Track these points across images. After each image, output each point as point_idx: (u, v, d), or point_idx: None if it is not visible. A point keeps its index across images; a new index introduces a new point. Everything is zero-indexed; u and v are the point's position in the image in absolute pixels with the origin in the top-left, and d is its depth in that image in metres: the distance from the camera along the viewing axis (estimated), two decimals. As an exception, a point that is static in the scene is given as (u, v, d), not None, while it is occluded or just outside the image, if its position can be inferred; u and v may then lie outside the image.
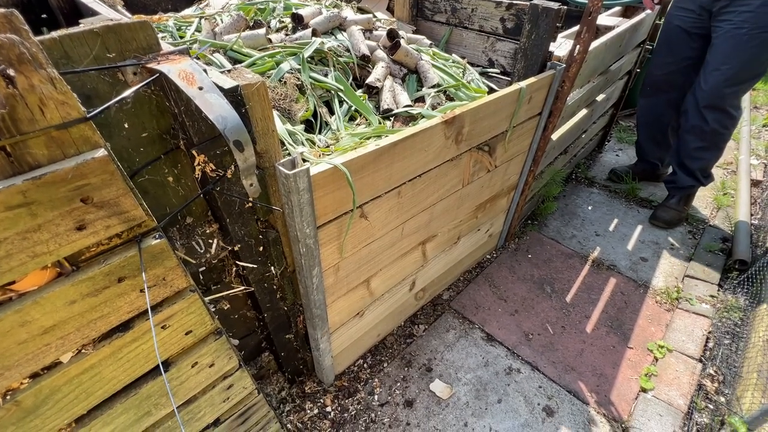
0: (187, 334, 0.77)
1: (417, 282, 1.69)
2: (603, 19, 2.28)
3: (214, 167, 0.77)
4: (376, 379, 1.60)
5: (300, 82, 1.13)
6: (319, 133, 1.15)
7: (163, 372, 0.70)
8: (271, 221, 0.97)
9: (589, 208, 2.56)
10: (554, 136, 1.99)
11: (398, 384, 1.58)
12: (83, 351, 0.64)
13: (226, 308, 1.05)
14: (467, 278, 2.06)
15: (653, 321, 1.83)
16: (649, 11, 2.35)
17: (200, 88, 0.60)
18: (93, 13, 1.13)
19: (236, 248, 0.94)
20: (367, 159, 0.98)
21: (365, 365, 1.65)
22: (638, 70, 2.87)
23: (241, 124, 0.61)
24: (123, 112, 0.70)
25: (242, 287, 1.02)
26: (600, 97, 2.45)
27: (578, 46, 1.50)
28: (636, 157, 2.77)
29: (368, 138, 1.12)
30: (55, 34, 0.59)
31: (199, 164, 0.75)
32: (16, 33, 0.43)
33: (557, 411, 1.49)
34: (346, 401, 1.52)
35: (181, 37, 1.30)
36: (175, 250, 0.77)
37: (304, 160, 0.95)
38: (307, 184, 0.84)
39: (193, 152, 0.74)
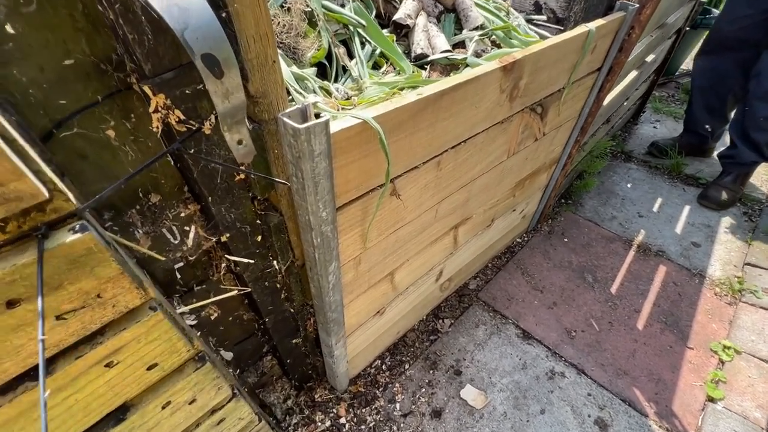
0: (150, 368, 0.52)
1: (444, 271, 1.43)
2: (665, -41, 1.92)
3: (182, 116, 0.49)
4: (397, 384, 1.37)
5: (309, 10, 0.83)
6: (336, 80, 0.86)
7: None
8: (273, 200, 0.70)
9: (629, 185, 2.28)
10: (606, 101, 1.69)
11: (423, 390, 1.36)
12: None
13: (213, 317, 0.80)
14: (497, 265, 1.81)
15: (714, 316, 1.59)
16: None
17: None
18: None
19: (224, 238, 0.67)
20: (406, 113, 0.70)
21: (383, 367, 1.42)
22: (688, 29, 2.52)
23: (214, 23, 0.33)
24: (23, 18, 0.41)
25: (235, 288, 0.77)
26: (649, 58, 2.12)
27: (658, -21, 1.18)
28: (683, 127, 2.45)
29: (401, 89, 0.84)
30: None
31: (157, 110, 0.48)
32: None
33: (611, 425, 1.27)
34: (363, 411, 1.29)
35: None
36: (129, 243, 0.51)
37: (318, 115, 0.67)
38: (325, 146, 0.56)
39: (146, 90, 0.46)
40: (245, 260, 0.72)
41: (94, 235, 0.38)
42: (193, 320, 0.70)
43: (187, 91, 0.49)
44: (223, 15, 0.42)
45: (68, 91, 0.47)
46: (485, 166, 1.12)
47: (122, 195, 0.57)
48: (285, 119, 0.53)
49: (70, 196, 0.37)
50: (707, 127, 2.29)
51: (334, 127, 0.60)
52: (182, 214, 0.64)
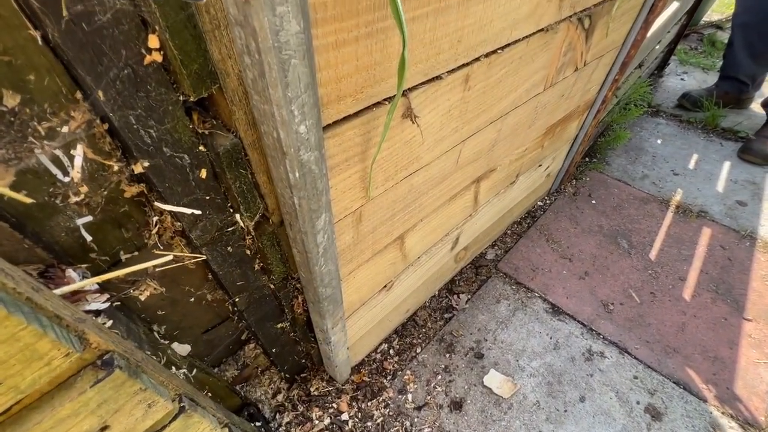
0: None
1: (461, 238, 1.20)
2: None
3: None
4: (408, 371, 1.16)
5: None
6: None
7: None
8: (222, 111, 0.45)
9: (659, 141, 2.03)
10: (651, 29, 1.41)
11: (439, 377, 1.14)
12: None
13: (145, 295, 0.55)
14: (517, 232, 1.57)
15: (771, 283, 1.37)
16: None
17: None
18: None
19: (141, 168, 0.42)
20: (430, -32, 0.44)
21: (391, 351, 1.21)
22: (726, -39, 2.20)
23: None
24: None
25: (169, 254, 0.52)
26: (689, -11, 1.83)
27: None
28: (720, 75, 2.18)
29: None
30: None
31: None
32: None
33: (666, 413, 1.07)
34: (369, 404, 1.08)
35: None
36: None
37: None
38: (294, -16, 0.30)
39: None
40: (187, 210, 0.47)
41: None
42: (103, 303, 0.45)
43: None
44: None
45: None
46: (519, 95, 0.86)
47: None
48: None
49: None
50: (750, 71, 2.01)
51: (312, -41, 0.34)
52: (65, 129, 0.38)
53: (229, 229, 0.55)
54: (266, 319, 0.78)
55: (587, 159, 1.90)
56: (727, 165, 1.88)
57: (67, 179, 0.41)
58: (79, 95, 0.37)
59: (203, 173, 0.46)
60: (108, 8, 0.32)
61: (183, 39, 0.35)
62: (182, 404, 0.48)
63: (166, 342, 0.62)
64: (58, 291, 0.39)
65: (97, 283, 0.44)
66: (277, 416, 1.03)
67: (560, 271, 1.42)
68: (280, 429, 1.01)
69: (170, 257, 0.50)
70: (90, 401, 0.36)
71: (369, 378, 1.14)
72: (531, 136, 1.12)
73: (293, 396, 1.07)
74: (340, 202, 0.59)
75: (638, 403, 1.09)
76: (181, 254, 0.53)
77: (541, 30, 0.75)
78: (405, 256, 0.94)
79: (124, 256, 0.53)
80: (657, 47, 2.01)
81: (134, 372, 0.40)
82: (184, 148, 0.44)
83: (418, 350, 1.21)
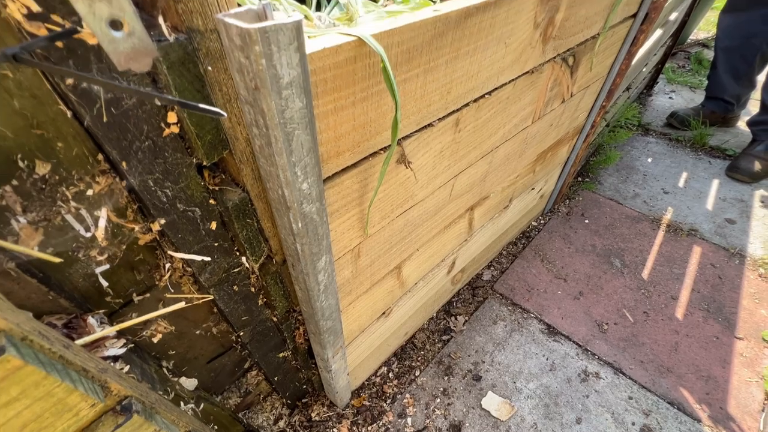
0: (15, 445, 0.30)
1: (457, 262, 1.23)
2: None
3: (35, 6, 0.27)
4: (407, 395, 1.18)
5: None
6: (318, 9, 0.64)
7: None
8: (231, 169, 0.49)
9: (649, 160, 2.08)
10: (635, 57, 1.47)
11: (438, 400, 1.16)
12: None
13: (159, 337, 0.58)
14: (512, 252, 1.61)
15: (762, 301, 1.40)
16: None
17: None
18: None
19: (158, 226, 0.46)
20: (418, 38, 0.48)
21: (391, 375, 1.23)
22: (707, -12, 2.30)
23: None
24: None
25: (183, 298, 0.55)
26: (672, 17, 1.91)
27: None
28: (705, 95, 2.25)
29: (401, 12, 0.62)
30: None
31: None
32: None
33: (661, 433, 1.09)
34: (369, 428, 1.10)
35: None
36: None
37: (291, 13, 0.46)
38: (299, 72, 0.35)
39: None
40: (197, 258, 0.51)
41: None
42: (121, 347, 0.49)
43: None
44: None
45: None
46: (508, 130, 0.91)
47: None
48: (227, 20, 0.31)
49: None
50: (735, 91, 2.08)
51: (314, 45, 0.39)
52: (90, 193, 0.42)
53: (235, 270, 0.59)
54: (269, 349, 0.81)
55: (580, 179, 1.95)
56: (715, 183, 1.93)
57: (89, 234, 0.45)
58: (105, 165, 0.41)
59: (213, 225, 0.50)
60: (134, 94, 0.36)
61: (198, 115, 0.39)
62: (191, 441, 0.51)
63: (175, 379, 0.64)
64: (80, 341, 0.42)
65: (118, 331, 0.47)
66: (279, 442, 1.05)
67: (555, 291, 1.45)
68: (282, 455, 1.03)
69: (182, 303, 0.53)
70: (110, 445, 0.39)
71: (369, 402, 1.16)
72: (522, 164, 1.16)
73: (294, 422, 1.09)
74: (340, 242, 0.63)
75: (633, 424, 1.11)
76: (191, 296, 0.56)
77: (527, 72, 0.80)
78: (402, 284, 0.98)
79: (136, 298, 0.56)
80: (644, 69, 2.08)
81: (149, 414, 0.43)
82: (196, 203, 0.47)
83: (417, 373, 1.23)
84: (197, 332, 0.71)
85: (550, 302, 1.42)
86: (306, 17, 0.55)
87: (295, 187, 0.44)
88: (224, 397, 0.96)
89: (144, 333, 0.55)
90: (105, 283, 0.51)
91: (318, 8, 0.64)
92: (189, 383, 0.68)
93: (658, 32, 1.75)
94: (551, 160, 1.39)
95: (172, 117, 0.39)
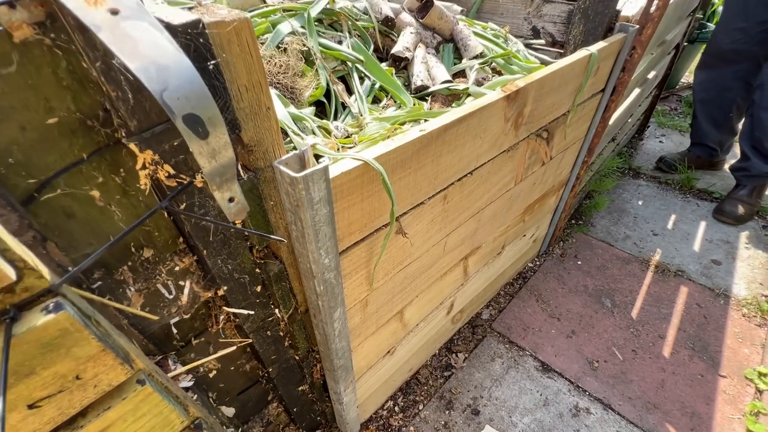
0: (138, 448, 0.46)
1: (455, 304, 1.37)
2: (659, -21, 1.94)
3: (171, 171, 0.47)
4: (412, 428, 1.29)
5: (306, 50, 0.82)
6: (335, 118, 0.84)
7: None
8: (273, 248, 0.67)
9: (640, 203, 2.23)
10: (611, 120, 1.66)
11: (439, 433, 1.27)
12: None
13: (212, 373, 0.75)
14: (509, 292, 1.74)
15: (745, 340, 1.50)
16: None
17: (113, 13, 0.30)
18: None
19: (222, 291, 0.63)
20: (409, 151, 0.67)
21: (396, 408, 1.34)
22: (686, 44, 2.52)
23: (197, 81, 0.30)
24: (3, 81, 0.39)
25: (235, 342, 0.72)
26: (651, 75, 2.11)
27: (656, 1, 1.17)
28: (690, 141, 2.41)
29: (402, 123, 0.81)
30: None
31: (144, 167, 0.45)
32: None
33: (646, 467, 1.17)
34: (377, 459, 1.21)
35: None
36: (119, 305, 0.47)
37: (317, 156, 0.64)
38: (324, 193, 0.53)
39: (132, 147, 0.43)
40: (245, 312, 0.68)
41: (70, 313, 0.34)
42: (189, 381, 0.65)
43: (175, 143, 0.46)
44: (211, 66, 0.40)
45: (52, 150, 0.45)
46: (493, 194, 1.09)
47: (113, 251, 0.54)
48: (281, 167, 0.50)
49: (44, 272, 0.34)
50: (716, 138, 2.25)
51: (334, 170, 0.57)
52: (177, 268, 0.60)
53: (270, 319, 0.76)
54: (291, 383, 0.96)
55: (573, 222, 2.10)
56: (702, 225, 2.05)
57: (171, 297, 0.62)
58: (185, 246, 0.60)
59: (258, 287, 0.67)
60: (212, 207, 0.55)
61: (257, 218, 0.58)
62: (235, 457, 0.66)
63: (220, 407, 0.80)
64: (174, 372, 0.58)
65: (186, 371, 0.64)
66: (296, 470, 1.17)
67: (549, 330, 1.57)
68: (298, 482, 1.14)
69: (233, 348, 0.70)
70: (186, 453, 0.55)
71: (376, 434, 1.28)
72: (510, 217, 1.32)
73: (309, 451, 1.20)
74: (351, 296, 0.79)
75: (621, 457, 1.20)
76: (235, 340, 0.73)
77: (503, 151, 0.99)
78: (405, 325, 1.12)
79: (193, 341, 0.73)
80: (629, 120, 2.27)
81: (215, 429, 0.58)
82: (246, 272, 0.65)
83: (421, 407, 1.35)
84: (232, 368, 0.87)
85: (545, 340, 1.53)
86: (326, 130, 0.75)
87: (319, 263, 0.61)
88: (249, 426, 1.10)
89: (201, 370, 0.72)
90: (175, 331, 0.68)
91: (335, 117, 0.84)
92: (228, 411, 0.83)
93: (636, 91, 1.94)
94: (539, 210, 1.55)
95: (238, 222, 0.57)
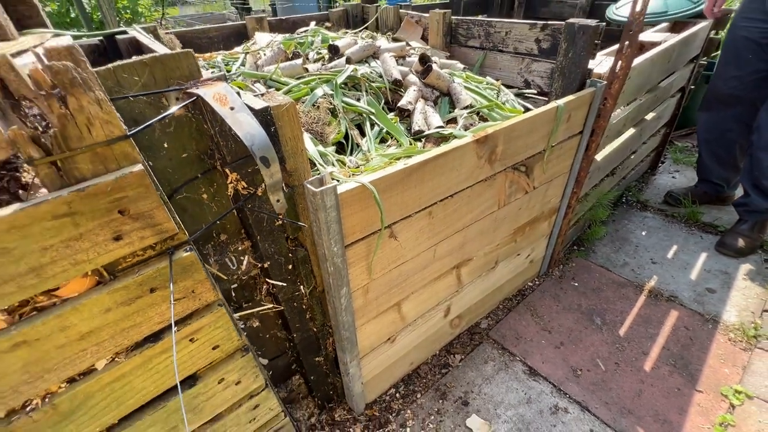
0: (214, 348, 0.78)
1: (452, 308, 1.62)
2: (648, 35, 2.18)
3: (245, 185, 0.80)
4: (409, 411, 1.52)
5: (333, 107, 1.17)
6: (350, 154, 1.17)
7: (179, 390, 0.71)
8: (301, 239, 0.99)
9: (643, 233, 2.37)
10: (599, 157, 1.89)
11: (432, 417, 1.49)
12: (116, 359, 0.67)
13: (256, 326, 1.06)
14: (507, 306, 1.95)
15: (726, 361, 1.60)
16: (702, 24, 2.23)
17: (232, 108, 0.64)
18: (152, 52, 1.26)
19: (266, 265, 0.95)
20: (396, 178, 0.98)
21: (397, 395, 1.58)
22: (692, 87, 2.69)
23: (267, 141, 0.64)
24: (165, 134, 0.75)
25: (272, 305, 1.03)
26: (650, 116, 2.31)
27: (620, 62, 1.44)
28: (697, 177, 2.54)
29: (398, 158, 1.13)
30: (110, 65, 0.65)
31: (231, 182, 0.79)
32: (77, 63, 0.49)
33: (613, 460, 1.32)
34: (377, 432, 1.45)
35: (228, 71, 1.42)
36: (208, 265, 0.80)
37: (335, 180, 0.96)
38: (334, 202, 0.85)
39: (227, 171, 0.77)
40: (280, 283, 0.99)
41: (195, 254, 0.67)
42: (241, 325, 0.96)
43: (248, 170, 0.80)
44: (272, 129, 0.74)
45: (182, 171, 0.80)
46: (477, 215, 1.36)
47: (204, 234, 0.88)
48: (307, 185, 0.83)
49: (186, 232, 0.67)
50: (722, 175, 2.37)
51: (341, 188, 0.89)
52: (239, 248, 0.94)
53: (297, 293, 1.07)
54: (310, 352, 1.25)
55: (575, 248, 2.28)
56: (703, 256, 2.16)
57: (234, 267, 0.95)
58: (245, 235, 0.93)
59: (290, 266, 0.99)
60: (264, 208, 0.88)
61: (291, 214, 0.90)
62: (267, 384, 0.95)
63: (258, 353, 1.10)
64: (237, 315, 0.90)
65: (239, 317, 0.96)
66: (310, 433, 1.43)
67: (540, 340, 1.76)
68: (312, 442, 1.40)
69: (271, 306, 1.01)
70: (238, 364, 0.85)
71: (379, 413, 1.52)
72: (499, 236, 1.57)
73: (322, 419, 1.47)
74: (355, 281, 1.09)
75: (591, 450, 1.35)
76: (273, 306, 1.04)
77: (481, 181, 1.27)
78: (403, 318, 1.39)
79: (244, 305, 1.05)
80: (632, 157, 2.45)
81: (254, 356, 0.89)
82: (282, 255, 0.97)
83: (419, 395, 1.58)
84: (268, 336, 1.18)
85: (535, 349, 1.72)
86: (342, 162, 1.07)
87: (330, 249, 0.92)
88: (276, 390, 1.39)
89: (247, 323, 1.03)
90: (233, 295, 1.01)
91: (351, 152, 1.17)
92: (263, 361, 1.13)
93: (631, 131, 2.15)
94: (531, 233, 1.78)
95: (281, 214, 0.90)
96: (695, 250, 2.20)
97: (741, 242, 2.10)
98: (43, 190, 0.73)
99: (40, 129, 0.50)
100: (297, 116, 0.76)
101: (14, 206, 0.49)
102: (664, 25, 2.39)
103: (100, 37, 1.56)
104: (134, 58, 0.68)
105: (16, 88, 0.50)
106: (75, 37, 1.48)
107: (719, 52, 2.27)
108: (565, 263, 2.17)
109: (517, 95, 1.73)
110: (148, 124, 0.60)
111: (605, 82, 1.48)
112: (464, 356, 1.72)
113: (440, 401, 1.55)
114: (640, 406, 1.47)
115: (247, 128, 0.62)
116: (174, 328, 0.65)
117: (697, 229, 2.36)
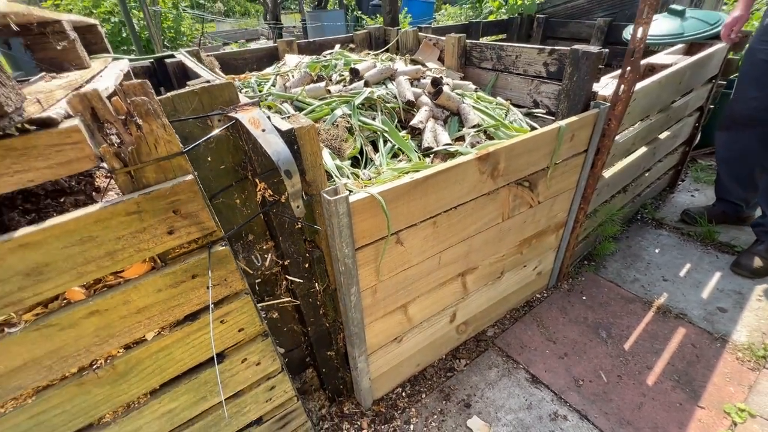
0: (239, 331, 0.92)
1: (458, 314, 1.71)
2: (660, 58, 2.24)
3: (271, 193, 0.95)
4: (413, 409, 1.61)
5: (350, 125, 1.31)
6: (364, 167, 1.30)
7: (215, 361, 0.84)
8: (317, 241, 1.12)
9: (657, 251, 2.38)
10: (607, 174, 1.95)
11: (435, 416, 1.58)
12: (162, 333, 0.81)
13: (275, 316, 1.20)
14: (514, 316, 2.01)
15: (732, 380, 1.61)
16: (718, 46, 2.26)
17: (263, 130, 0.79)
18: (196, 75, 1.45)
19: (286, 263, 1.09)
20: (402, 190, 1.10)
21: (403, 394, 1.68)
22: (711, 107, 2.70)
23: (290, 157, 0.78)
24: (208, 149, 0.90)
25: (290, 299, 1.17)
26: (663, 135, 2.35)
27: (622, 86, 1.52)
28: (716, 197, 2.53)
29: (407, 172, 1.25)
30: (169, 94, 0.81)
31: (260, 190, 0.93)
32: (147, 96, 0.64)
33: (608, 467, 1.36)
34: (382, 427, 1.54)
35: (260, 91, 1.59)
36: (237, 260, 0.94)
37: (348, 190, 1.10)
38: (346, 209, 0.98)
39: (256, 180, 0.92)
40: (298, 279, 1.13)
41: (228, 249, 0.81)
42: (264, 317, 1.10)
43: (274, 180, 0.95)
44: (296, 147, 0.88)
45: (220, 180, 0.95)
46: (481, 225, 1.45)
47: (235, 234, 1.03)
48: (323, 194, 0.96)
49: (222, 230, 0.82)
50: (740, 195, 2.36)
51: (353, 198, 1.02)
52: (264, 247, 1.08)
53: (312, 290, 1.20)
54: (323, 345, 1.37)
55: (586, 262, 2.32)
56: (717, 275, 2.15)
57: (258, 263, 1.10)
58: (269, 236, 1.07)
59: (306, 265, 1.12)
60: (286, 213, 1.02)
61: (309, 219, 1.04)
62: (282, 367, 1.08)
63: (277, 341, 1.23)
64: (259, 305, 1.04)
65: (262, 307, 1.09)
66: (321, 423, 1.55)
67: (544, 350, 1.81)
68: (321, 431, 1.52)
69: (290, 299, 1.15)
70: (258, 347, 0.98)
71: (385, 410, 1.61)
72: (505, 247, 1.66)
73: (332, 411, 1.58)
74: (364, 281, 1.21)
75: (587, 457, 1.40)
76: (291, 300, 1.17)
77: (484, 194, 1.37)
78: (409, 320, 1.49)
79: (266, 299, 1.19)
80: (646, 175, 2.48)
81: (272, 342, 1.02)
82: (301, 255, 1.11)
83: (423, 396, 1.67)
84: (285, 329, 1.32)
85: (538, 358, 1.78)
86: (356, 175, 1.21)
87: (342, 251, 1.05)
88: (291, 377, 1.52)
89: (268, 314, 1.17)
90: (257, 288, 1.15)
91: (365, 166, 1.30)
92: (280, 350, 1.26)
93: (644, 149, 2.19)
94: (538, 246, 1.85)
95: (300, 218, 1.04)
96: (709, 270, 2.20)
97: (757, 262, 2.09)
98: (111, 193, 0.90)
99: (116, 145, 0.66)
100: (316, 136, 0.90)
101: (99, 204, 0.64)
102: (679, 46, 2.44)
103: (152, 60, 1.78)
104: (187, 88, 0.84)
105: (102, 114, 0.65)
106: (131, 60, 1.70)
107: (738, 72, 2.29)
108: (574, 277, 2.22)
109: (527, 114, 1.83)
110: (198, 143, 0.76)
111: (609, 105, 1.56)
112: (469, 361, 1.80)
113: (444, 402, 1.63)
114: (640, 418, 1.51)
115: (274, 146, 0.76)
116: (211, 306, 0.79)
117: (713, 249, 2.35)
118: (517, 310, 2.04)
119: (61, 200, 0.85)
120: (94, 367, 0.75)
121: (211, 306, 0.79)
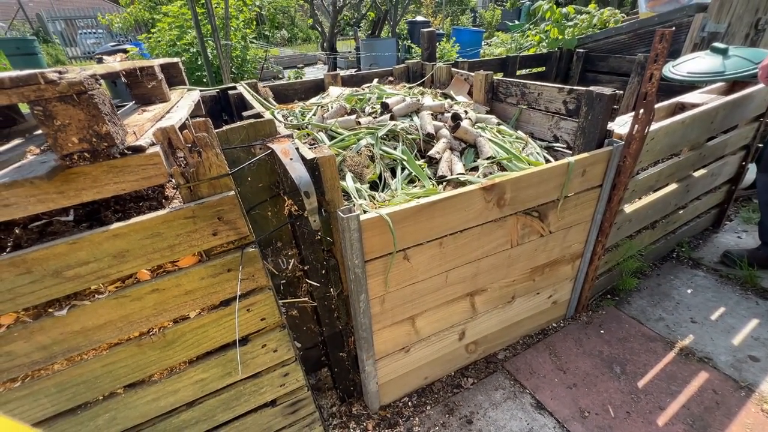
0: (262, 320, 1.12)
1: (467, 333, 1.80)
2: (692, 97, 2.23)
3: (296, 208, 1.16)
4: (417, 419, 1.71)
5: (372, 153, 1.51)
6: (382, 191, 1.48)
7: (237, 343, 1.04)
8: (333, 252, 1.31)
9: (689, 291, 2.30)
10: (628, 209, 1.97)
11: (437, 428, 1.66)
12: (201, 313, 1.03)
13: (294, 313, 1.39)
14: (527, 342, 2.05)
15: (753, 431, 1.54)
16: (761, 85, 2.21)
17: (291, 159, 1.00)
18: (251, 106, 1.73)
19: (306, 269, 1.29)
20: (409, 212, 1.26)
21: (410, 403, 1.78)
22: (760, 146, 2.59)
23: (309, 181, 0.98)
24: (249, 171, 1.13)
25: (309, 300, 1.36)
26: (699, 173, 2.31)
27: (636, 126, 1.59)
28: (760, 240, 2.41)
29: (418, 197, 1.41)
30: (224, 128, 1.06)
31: (287, 205, 1.14)
32: (208, 132, 0.87)
33: (602, 499, 1.37)
34: (386, 431, 1.66)
35: (302, 120, 1.85)
36: (266, 262, 1.15)
37: (364, 211, 1.28)
38: (357, 226, 1.16)
39: (285, 197, 1.13)
40: (316, 283, 1.32)
41: (257, 251, 1.02)
42: (284, 313, 1.29)
43: (299, 198, 1.15)
44: (317, 173, 1.09)
45: (257, 195, 1.18)
46: (488, 249, 1.57)
47: (264, 240, 1.25)
48: (338, 212, 1.15)
49: (254, 235, 1.03)
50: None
51: (363, 217, 1.20)
52: (289, 253, 1.29)
53: (327, 294, 1.38)
54: (336, 346, 1.54)
55: (609, 295, 2.30)
56: (754, 322, 2.05)
57: (284, 266, 1.30)
58: (294, 246, 1.28)
59: (324, 271, 1.31)
60: (307, 225, 1.22)
61: (326, 232, 1.23)
62: (296, 357, 1.26)
63: (294, 336, 1.42)
64: (281, 302, 1.24)
65: (284, 303, 1.29)
66: (331, 419, 1.69)
67: (553, 378, 1.84)
68: (330, 426, 1.66)
69: (308, 299, 1.34)
70: (276, 336, 1.17)
71: (390, 416, 1.73)
72: (515, 273, 1.74)
73: (342, 410, 1.72)
74: (373, 290, 1.37)
75: (582, 486, 1.41)
76: (310, 301, 1.36)
77: (491, 221, 1.49)
78: (417, 332, 1.62)
79: (288, 296, 1.39)
80: (681, 212, 2.42)
81: (288, 333, 1.21)
82: (319, 261, 1.30)
83: (428, 408, 1.76)
84: (304, 328, 1.50)
85: (546, 385, 1.81)
86: (373, 197, 1.39)
87: (353, 262, 1.22)
88: (304, 370, 1.69)
89: (288, 312, 1.36)
90: (281, 289, 1.35)
91: (382, 189, 1.48)
92: (297, 345, 1.45)
93: (674, 186, 2.17)
94: (552, 275, 1.90)
95: (318, 231, 1.23)
96: (745, 315, 2.09)
97: (800, 313, 1.96)
98: (176, 201, 1.15)
99: (182, 166, 0.90)
100: (335, 164, 1.10)
101: (166, 209, 0.87)
102: (719, 84, 2.40)
103: (218, 90, 2.12)
104: (237, 123, 1.08)
105: (176, 143, 0.89)
106: (202, 90, 2.04)
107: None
108: (594, 309, 2.21)
109: (547, 148, 1.93)
110: (240, 167, 0.98)
111: (623, 143, 1.63)
112: (477, 381, 1.86)
113: (447, 416, 1.71)
114: (644, 457, 1.49)
115: (297, 172, 0.97)
116: (238, 295, 0.99)
117: (753, 294, 2.23)
118: (531, 337, 2.08)
119: (140, 204, 1.11)
120: (151, 333, 0.98)
121: (239, 295, 1.00)
